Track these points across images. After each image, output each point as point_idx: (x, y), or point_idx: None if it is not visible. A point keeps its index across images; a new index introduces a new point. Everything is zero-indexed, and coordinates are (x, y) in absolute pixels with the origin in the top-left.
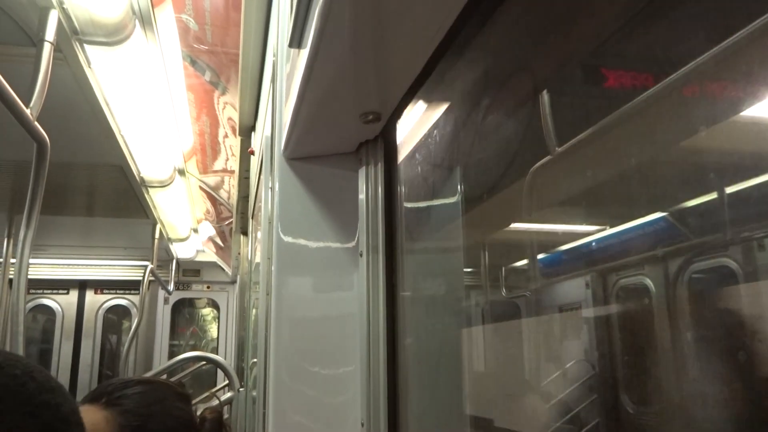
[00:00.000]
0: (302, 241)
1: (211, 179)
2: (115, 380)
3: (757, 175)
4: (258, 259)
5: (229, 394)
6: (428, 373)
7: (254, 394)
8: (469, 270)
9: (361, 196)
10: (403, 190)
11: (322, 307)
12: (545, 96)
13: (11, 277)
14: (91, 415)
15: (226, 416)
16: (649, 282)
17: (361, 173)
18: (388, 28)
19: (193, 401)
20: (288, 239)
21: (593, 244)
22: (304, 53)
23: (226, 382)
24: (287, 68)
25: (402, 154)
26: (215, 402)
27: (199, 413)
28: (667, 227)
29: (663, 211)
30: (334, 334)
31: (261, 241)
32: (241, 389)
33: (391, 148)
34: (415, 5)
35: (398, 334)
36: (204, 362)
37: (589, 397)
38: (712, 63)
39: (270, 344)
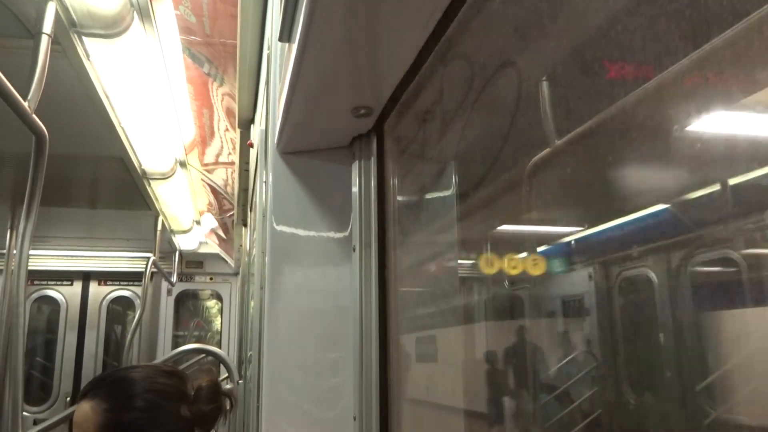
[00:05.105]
0: (296, 235)
1: (212, 171)
2: (98, 375)
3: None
4: (254, 251)
5: (228, 386)
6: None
7: (250, 386)
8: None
9: (354, 189)
10: (396, 184)
11: (314, 300)
12: (545, 88)
13: (13, 268)
14: (80, 410)
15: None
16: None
17: (354, 167)
18: (376, 22)
19: None
20: (281, 233)
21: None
22: (294, 48)
23: (227, 374)
24: (280, 62)
25: (395, 149)
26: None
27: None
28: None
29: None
30: (327, 328)
31: (257, 234)
32: (240, 381)
33: (384, 143)
34: None
35: (390, 328)
36: (204, 354)
37: None
38: (711, 53)
39: (264, 337)
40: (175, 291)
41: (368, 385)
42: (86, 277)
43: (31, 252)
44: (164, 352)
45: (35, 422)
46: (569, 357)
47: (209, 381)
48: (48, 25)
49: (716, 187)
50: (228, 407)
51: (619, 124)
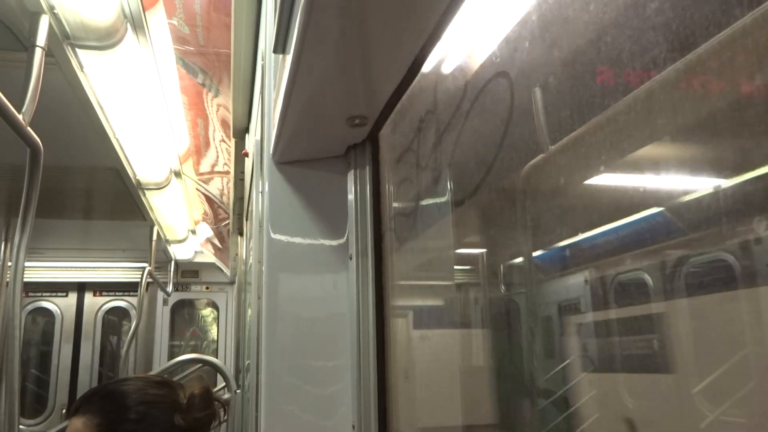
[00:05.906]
0: (292, 245)
1: (208, 181)
2: (88, 390)
3: None
4: (251, 260)
5: (226, 396)
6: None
7: (248, 396)
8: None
9: (350, 198)
10: (392, 192)
11: (312, 309)
12: (538, 94)
13: (8, 280)
14: (72, 426)
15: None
16: None
17: (350, 176)
18: (370, 34)
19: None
20: (278, 242)
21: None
22: (288, 59)
23: (224, 384)
24: (274, 73)
25: (390, 157)
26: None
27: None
28: None
29: None
30: (325, 336)
31: (253, 243)
32: (237, 391)
33: (378, 151)
34: (396, 10)
35: (387, 336)
36: (200, 364)
37: None
38: (705, 57)
39: (262, 346)
40: (171, 300)
41: (366, 394)
42: (81, 288)
43: (26, 264)
44: (160, 362)
45: None
46: None
47: (201, 388)
48: (42, 38)
49: None
50: (222, 414)
51: None
